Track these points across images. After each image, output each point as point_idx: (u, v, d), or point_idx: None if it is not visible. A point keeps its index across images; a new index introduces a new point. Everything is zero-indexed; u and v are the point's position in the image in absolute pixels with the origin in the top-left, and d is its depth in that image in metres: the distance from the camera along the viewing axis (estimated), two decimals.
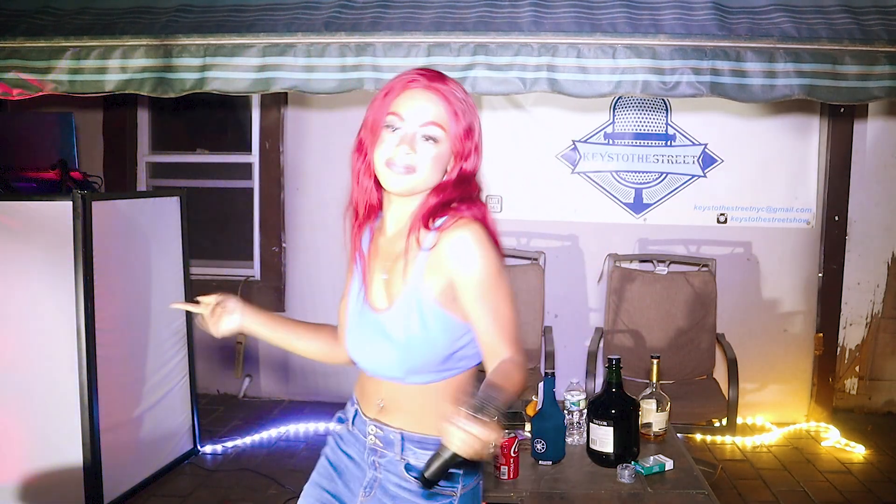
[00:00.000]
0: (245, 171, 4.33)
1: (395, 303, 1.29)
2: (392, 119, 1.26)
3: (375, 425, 1.34)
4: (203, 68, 2.66)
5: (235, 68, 2.65)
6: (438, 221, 1.26)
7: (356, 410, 1.41)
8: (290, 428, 3.77)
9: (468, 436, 1.00)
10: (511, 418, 2.38)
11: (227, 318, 1.46)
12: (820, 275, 3.98)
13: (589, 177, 4.01)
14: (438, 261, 1.24)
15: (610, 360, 2.09)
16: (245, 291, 4.13)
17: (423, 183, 1.27)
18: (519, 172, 4.03)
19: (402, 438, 1.31)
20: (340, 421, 1.47)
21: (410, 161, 1.25)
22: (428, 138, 1.26)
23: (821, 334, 3.99)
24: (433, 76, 1.28)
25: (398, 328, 1.27)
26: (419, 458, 1.29)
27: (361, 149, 1.31)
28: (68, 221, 2.65)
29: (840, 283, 3.99)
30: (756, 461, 3.52)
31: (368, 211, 1.36)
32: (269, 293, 4.17)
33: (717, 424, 3.37)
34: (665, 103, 3.93)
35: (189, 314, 3.36)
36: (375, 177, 1.30)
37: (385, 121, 1.26)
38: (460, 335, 1.27)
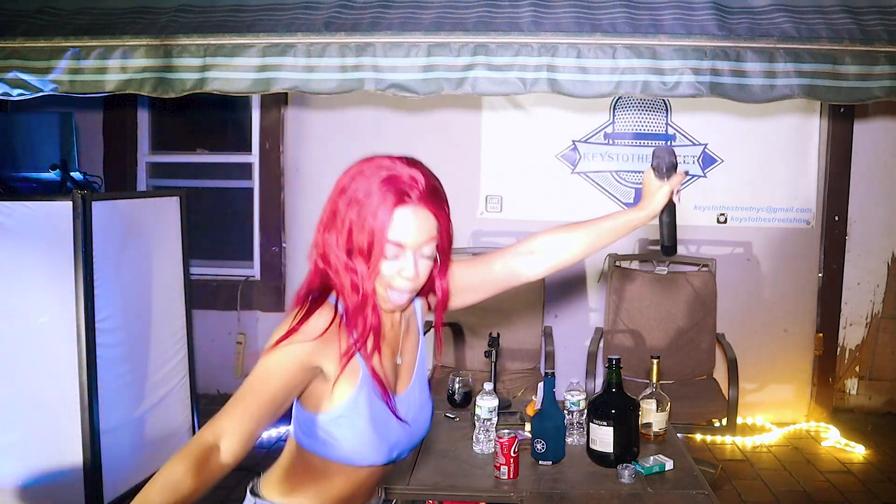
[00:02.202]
0: (245, 171, 4.33)
1: (416, 366, 1.34)
2: (392, 250, 1.16)
3: None
4: (203, 68, 2.66)
5: (235, 68, 2.65)
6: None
7: None
8: (290, 428, 3.76)
9: (670, 192, 1.34)
10: (511, 418, 2.38)
11: None
12: (820, 275, 3.98)
13: (589, 177, 4.01)
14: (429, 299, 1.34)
15: (610, 360, 2.09)
16: (245, 291, 4.13)
17: (418, 289, 1.24)
18: (519, 172, 4.03)
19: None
20: None
21: (415, 283, 1.20)
22: (426, 258, 1.20)
23: (821, 334, 3.99)
24: (412, 179, 1.16)
25: (424, 385, 1.34)
26: None
27: (349, 261, 1.18)
28: (68, 221, 2.65)
29: (840, 283, 3.99)
30: (756, 461, 3.52)
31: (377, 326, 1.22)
32: (269, 293, 4.17)
33: (717, 424, 3.37)
34: (665, 103, 3.93)
35: (189, 314, 3.37)
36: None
37: (384, 251, 1.16)
38: None
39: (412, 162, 1.20)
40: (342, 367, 1.18)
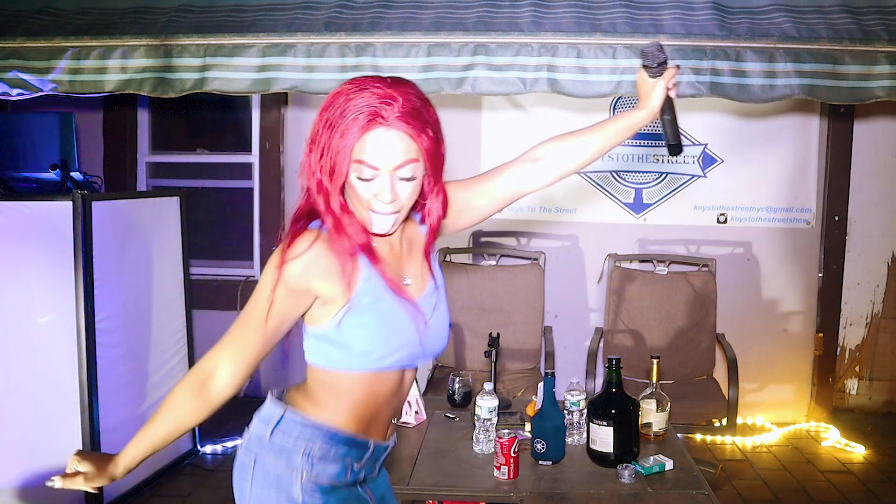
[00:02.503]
0: (245, 171, 4.33)
1: (428, 280, 1.34)
2: (361, 169, 1.14)
3: (392, 443, 1.37)
4: (203, 68, 2.66)
5: (235, 68, 2.65)
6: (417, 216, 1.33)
7: (370, 451, 1.30)
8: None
9: (665, 87, 1.31)
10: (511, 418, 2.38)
11: (93, 481, 1.27)
12: (820, 275, 3.98)
13: (589, 177, 4.01)
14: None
15: (610, 360, 2.09)
16: (245, 291, 4.13)
17: (406, 212, 1.23)
18: None
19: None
20: (329, 490, 1.27)
21: (396, 206, 1.18)
22: (406, 180, 1.17)
23: (821, 334, 3.99)
24: (388, 101, 1.13)
25: (441, 297, 1.35)
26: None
27: (321, 186, 1.18)
28: (68, 221, 2.65)
29: (840, 283, 3.99)
30: (756, 461, 3.52)
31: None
32: None
33: (717, 424, 3.37)
34: None
35: (189, 314, 3.37)
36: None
37: (351, 170, 1.15)
38: None
39: (396, 82, 1.17)
40: (344, 280, 1.18)
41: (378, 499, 1.39)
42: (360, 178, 1.16)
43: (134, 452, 1.26)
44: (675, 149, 1.39)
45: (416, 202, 1.25)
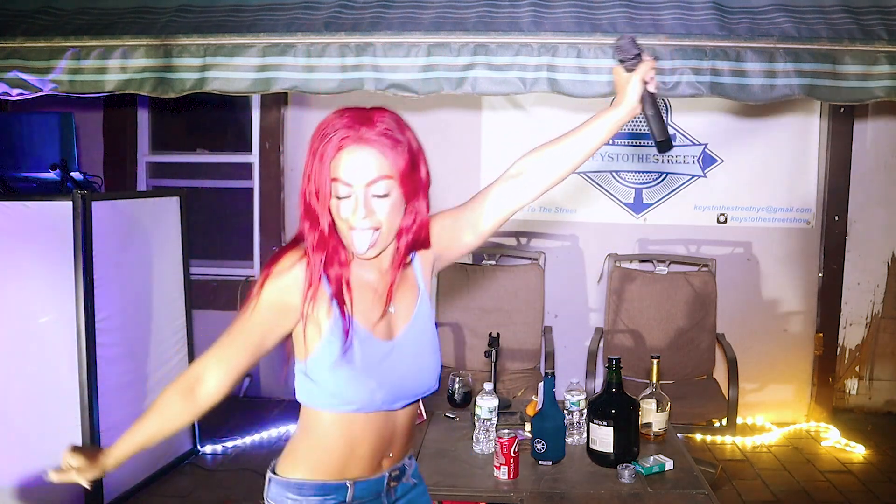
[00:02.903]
0: (245, 171, 4.33)
1: (413, 317, 1.32)
2: (338, 187, 1.20)
3: (393, 471, 1.36)
4: (203, 68, 2.66)
5: (235, 68, 2.65)
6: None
7: (354, 487, 1.31)
8: (290, 428, 3.77)
9: (641, 80, 1.27)
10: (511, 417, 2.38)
11: (86, 474, 1.33)
12: (820, 275, 3.98)
13: (589, 177, 4.01)
14: (424, 253, 1.35)
15: (610, 360, 2.09)
16: (245, 291, 4.12)
17: (388, 235, 1.25)
18: None
19: (411, 458, 1.41)
20: None
21: (371, 222, 1.21)
22: (380, 197, 1.21)
23: (821, 334, 3.99)
24: (360, 122, 1.20)
25: (425, 336, 1.33)
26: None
27: (307, 209, 1.24)
28: (68, 221, 2.65)
29: (840, 283, 3.99)
30: (756, 461, 3.52)
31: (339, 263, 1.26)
32: None
33: (717, 424, 3.37)
34: (665, 103, 3.93)
35: (189, 314, 3.37)
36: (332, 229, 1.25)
37: (331, 190, 1.20)
38: None
39: (376, 108, 1.24)
40: (304, 302, 1.22)
41: None
42: (338, 198, 1.20)
43: (124, 448, 1.31)
44: (664, 146, 1.34)
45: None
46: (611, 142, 3.97)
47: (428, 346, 1.34)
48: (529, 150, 1.35)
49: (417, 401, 1.35)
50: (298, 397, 1.30)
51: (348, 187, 1.20)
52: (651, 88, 1.30)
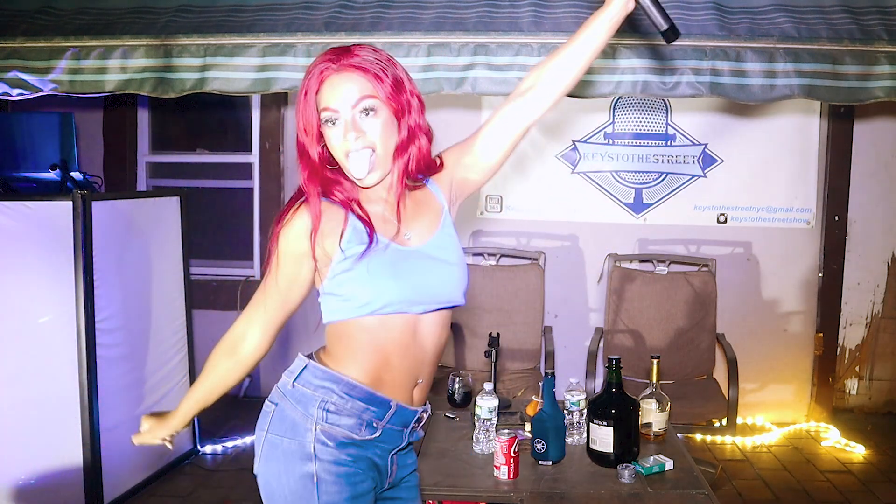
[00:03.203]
0: (245, 171, 4.33)
1: (437, 231, 1.35)
2: (326, 115, 1.26)
3: (421, 410, 1.38)
4: (203, 68, 2.66)
5: (235, 68, 2.65)
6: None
7: (396, 407, 1.32)
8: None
9: None
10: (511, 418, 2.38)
11: (158, 433, 1.45)
12: (820, 275, 3.98)
13: (589, 177, 4.01)
14: (441, 177, 1.39)
15: (610, 360, 2.09)
16: (245, 291, 4.13)
17: (385, 156, 1.29)
18: (519, 172, 4.03)
19: (428, 407, 1.42)
20: (343, 445, 1.29)
21: (364, 142, 1.26)
22: (366, 111, 1.26)
23: (821, 334, 3.99)
24: (339, 54, 1.27)
25: (450, 249, 1.35)
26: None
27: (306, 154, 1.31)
28: (68, 221, 2.65)
29: (840, 283, 3.99)
30: (756, 461, 3.52)
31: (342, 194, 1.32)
32: None
33: (717, 424, 3.37)
34: (665, 103, 3.93)
35: (189, 314, 3.37)
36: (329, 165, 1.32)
37: (321, 118, 1.27)
38: None
39: (357, 44, 1.30)
40: (313, 237, 1.27)
41: (400, 477, 1.41)
42: (331, 125, 1.26)
43: (186, 409, 1.41)
44: (669, 33, 1.27)
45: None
46: (611, 142, 3.97)
47: (454, 258, 1.35)
48: (533, 66, 1.38)
49: (444, 318, 1.36)
50: (325, 317, 1.33)
51: (335, 113, 1.25)
52: None
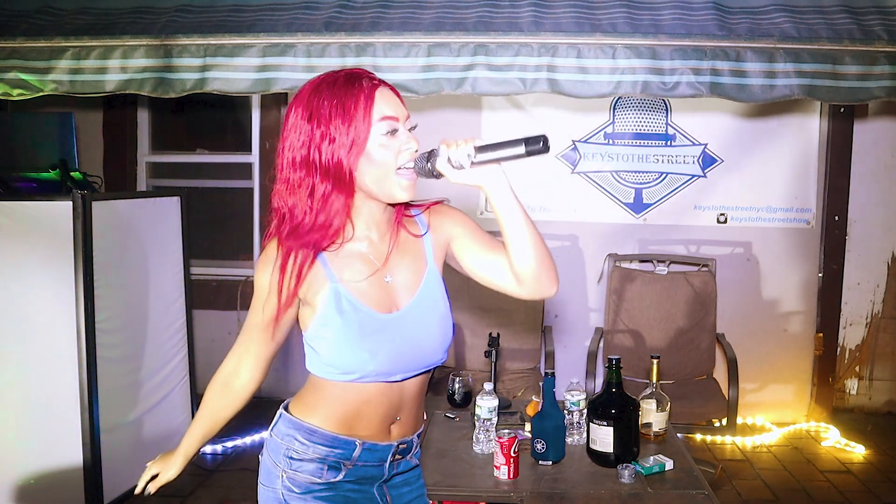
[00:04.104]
0: (245, 171, 4.33)
1: (419, 291, 1.31)
2: (387, 124, 1.19)
3: (398, 444, 1.35)
4: (203, 68, 2.66)
5: (235, 68, 2.65)
6: (413, 210, 1.37)
7: (362, 447, 1.31)
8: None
9: (452, 164, 1.19)
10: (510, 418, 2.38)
11: (165, 474, 1.44)
12: (820, 275, 3.98)
13: (589, 177, 4.01)
14: (438, 235, 1.36)
15: (610, 360, 2.09)
16: (245, 291, 4.13)
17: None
18: (519, 172, 4.02)
19: (418, 436, 1.41)
20: (309, 490, 1.29)
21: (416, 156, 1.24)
22: (412, 129, 1.25)
23: (821, 334, 3.99)
24: (363, 71, 1.24)
25: (432, 311, 1.32)
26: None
27: (328, 173, 1.20)
28: (68, 221, 2.65)
29: (840, 283, 3.99)
30: (756, 461, 3.52)
31: (333, 234, 1.23)
32: None
33: (717, 424, 3.37)
34: (665, 103, 3.93)
35: (189, 314, 3.37)
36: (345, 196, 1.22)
37: (384, 128, 1.19)
38: None
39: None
40: (281, 276, 1.21)
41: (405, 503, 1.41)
42: (388, 137, 1.19)
43: (187, 446, 1.43)
44: (534, 146, 1.13)
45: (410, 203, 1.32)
46: (611, 142, 3.97)
47: (435, 321, 1.31)
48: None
49: (424, 372, 1.35)
50: (307, 366, 1.32)
51: (396, 122, 1.20)
52: (457, 162, 1.18)
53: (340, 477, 1.30)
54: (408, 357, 1.28)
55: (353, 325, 1.23)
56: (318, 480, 1.29)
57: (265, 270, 1.25)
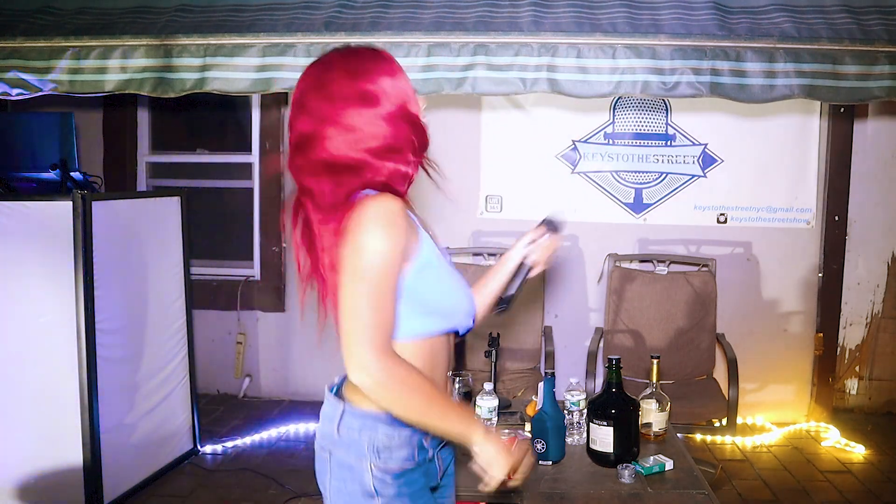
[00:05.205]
0: (245, 171, 4.33)
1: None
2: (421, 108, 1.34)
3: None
4: (203, 68, 2.66)
5: (235, 68, 2.65)
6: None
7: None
8: (290, 428, 3.77)
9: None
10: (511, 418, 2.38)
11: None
12: (820, 275, 3.98)
13: (589, 177, 4.01)
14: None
15: (610, 360, 2.09)
16: (245, 291, 4.13)
17: None
18: (519, 172, 4.03)
19: None
20: (400, 475, 1.29)
21: None
22: None
23: (821, 334, 3.99)
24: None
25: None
26: None
27: (416, 126, 1.33)
28: (68, 221, 2.65)
29: (840, 283, 3.99)
30: (756, 461, 3.52)
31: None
32: (269, 293, 4.17)
33: (717, 424, 3.37)
34: (665, 103, 3.93)
35: (189, 314, 3.37)
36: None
37: (422, 106, 1.34)
38: None
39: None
40: (414, 238, 1.24)
41: (445, 469, 1.43)
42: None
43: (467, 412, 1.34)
44: (507, 302, 1.57)
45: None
46: (611, 142, 3.97)
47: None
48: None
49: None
50: (396, 335, 1.24)
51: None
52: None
53: (429, 456, 1.33)
54: (471, 297, 1.40)
55: (449, 267, 1.32)
56: (412, 464, 1.30)
57: (397, 226, 1.18)
